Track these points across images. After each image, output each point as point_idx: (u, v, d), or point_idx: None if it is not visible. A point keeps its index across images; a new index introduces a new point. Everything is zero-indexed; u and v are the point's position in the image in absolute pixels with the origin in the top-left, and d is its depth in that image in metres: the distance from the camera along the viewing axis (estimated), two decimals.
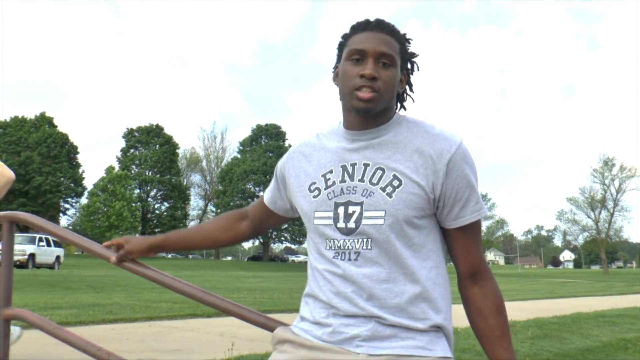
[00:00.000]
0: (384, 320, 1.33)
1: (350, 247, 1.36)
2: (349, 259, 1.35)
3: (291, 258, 71.97)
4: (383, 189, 1.34)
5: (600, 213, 66.83)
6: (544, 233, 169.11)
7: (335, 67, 1.49)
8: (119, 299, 12.05)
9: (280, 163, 1.59)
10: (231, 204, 63.99)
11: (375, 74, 1.35)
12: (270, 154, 66.00)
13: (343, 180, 1.39)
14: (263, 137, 69.27)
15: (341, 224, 1.37)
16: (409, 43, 1.45)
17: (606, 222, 67.08)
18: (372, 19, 1.44)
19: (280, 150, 65.89)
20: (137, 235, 1.93)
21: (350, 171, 1.40)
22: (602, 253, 68.02)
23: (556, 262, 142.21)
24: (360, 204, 1.35)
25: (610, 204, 66.12)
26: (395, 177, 1.35)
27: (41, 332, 2.22)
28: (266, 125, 69.70)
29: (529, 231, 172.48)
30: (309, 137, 1.57)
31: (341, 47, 1.46)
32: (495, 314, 1.39)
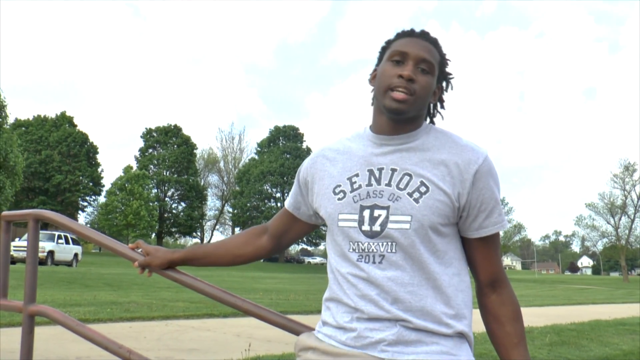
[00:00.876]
0: (409, 324, 1.33)
1: (374, 250, 1.36)
2: (374, 262, 1.35)
3: (307, 260, 71.91)
4: (410, 195, 1.35)
5: (620, 219, 66.05)
6: (562, 238, 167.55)
7: (374, 70, 1.51)
8: (136, 298, 12.15)
9: (302, 167, 1.59)
10: (248, 204, 64.21)
11: (414, 76, 1.37)
12: (288, 156, 66.12)
13: (369, 184, 1.40)
14: (281, 138, 69.40)
15: (366, 227, 1.37)
16: (448, 62, 1.49)
17: (626, 228, 66.25)
18: (417, 29, 1.47)
19: (297, 152, 65.99)
20: (161, 247, 1.87)
21: (377, 175, 1.40)
22: (621, 260, 67.07)
23: (574, 268, 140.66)
24: (387, 208, 1.36)
25: (630, 210, 65.30)
26: (422, 183, 1.36)
27: (61, 329, 2.25)
28: (284, 126, 69.82)
29: (547, 236, 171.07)
30: (331, 141, 1.58)
31: (383, 50, 1.49)
32: (512, 321, 1.41)
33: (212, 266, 1.76)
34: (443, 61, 1.47)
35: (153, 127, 66.59)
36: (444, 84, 1.51)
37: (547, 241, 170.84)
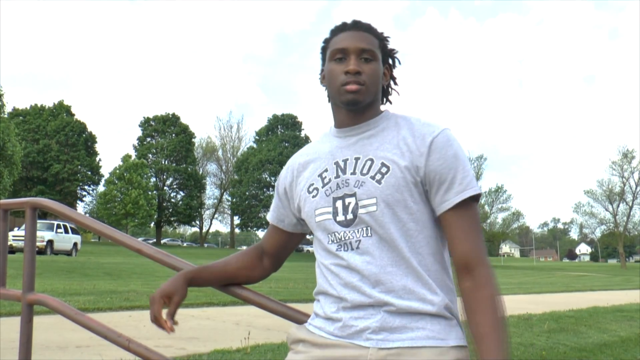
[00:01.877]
0: (392, 307, 1.33)
1: (351, 238, 1.40)
2: (351, 249, 1.39)
3: (306, 248, 72.07)
4: (373, 177, 1.39)
5: (618, 206, 65.98)
6: (560, 226, 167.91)
7: (322, 71, 1.55)
8: (136, 286, 12.17)
9: (280, 179, 1.64)
10: (247, 193, 64.21)
11: (359, 68, 1.42)
12: (286, 144, 66.02)
13: (337, 176, 1.45)
14: (279, 127, 69.22)
15: (340, 217, 1.42)
16: (388, 41, 1.52)
17: (624, 215, 66.25)
18: (349, 21, 1.51)
19: (296, 140, 65.89)
20: (169, 285, 1.65)
21: (343, 166, 1.45)
22: (619, 247, 67.21)
23: (572, 255, 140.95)
24: (354, 194, 1.40)
25: (629, 197, 65.24)
26: (383, 164, 1.39)
27: (60, 318, 2.24)
28: (282, 115, 69.60)
29: (545, 224, 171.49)
30: (303, 148, 1.64)
31: (324, 50, 1.53)
32: (484, 307, 1.31)
33: (219, 284, 1.71)
34: (382, 43, 1.50)
35: (151, 116, 66.39)
36: (391, 62, 1.55)
37: (545, 228, 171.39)
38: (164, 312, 1.57)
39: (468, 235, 1.37)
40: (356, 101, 1.42)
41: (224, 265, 1.68)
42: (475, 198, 1.39)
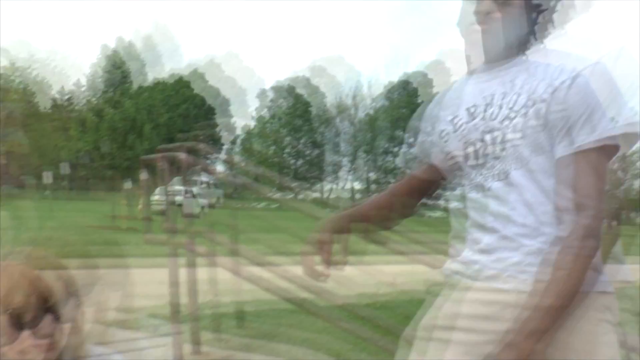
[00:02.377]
0: (529, 248, 1.32)
1: (482, 181, 1.40)
2: (483, 191, 1.40)
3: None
4: (501, 122, 1.37)
5: None
6: None
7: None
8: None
9: (418, 117, 1.67)
10: (380, 150, 64.17)
11: (489, 9, 1.40)
12: (421, 101, 64.71)
13: (469, 120, 1.44)
14: (413, 83, 68.14)
15: (472, 161, 1.42)
16: None
17: None
18: None
19: (428, 97, 64.35)
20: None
21: (474, 110, 1.45)
22: None
23: None
24: (484, 139, 1.40)
25: None
26: (512, 109, 1.37)
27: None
28: (414, 72, 68.39)
29: None
30: (444, 90, 1.65)
31: None
32: (551, 279, 1.25)
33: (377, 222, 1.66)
34: None
35: (269, 87, 67.46)
36: (535, 15, 1.43)
37: None
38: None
39: (575, 184, 1.30)
40: (481, 42, 1.42)
41: (384, 200, 1.68)
42: (601, 147, 1.31)
